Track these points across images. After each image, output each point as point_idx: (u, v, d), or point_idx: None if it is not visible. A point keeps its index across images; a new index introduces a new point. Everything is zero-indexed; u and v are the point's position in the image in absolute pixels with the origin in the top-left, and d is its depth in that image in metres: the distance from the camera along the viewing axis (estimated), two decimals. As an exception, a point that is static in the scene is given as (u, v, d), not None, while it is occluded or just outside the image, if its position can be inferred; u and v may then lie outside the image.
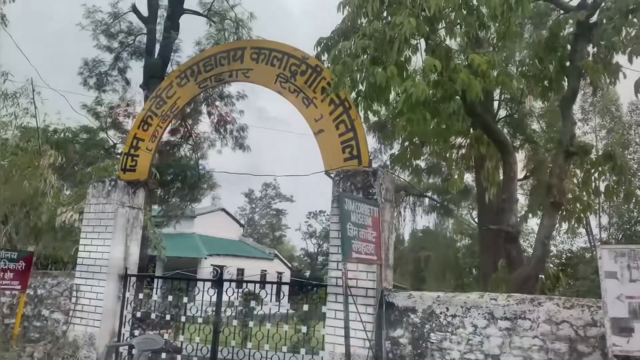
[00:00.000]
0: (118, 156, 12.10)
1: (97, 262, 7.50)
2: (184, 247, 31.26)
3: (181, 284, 7.42)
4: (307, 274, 55.54)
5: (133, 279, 7.57)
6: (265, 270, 38.24)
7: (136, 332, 7.36)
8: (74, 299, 7.50)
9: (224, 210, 40.92)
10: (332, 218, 6.12)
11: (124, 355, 7.26)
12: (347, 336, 4.68)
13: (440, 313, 5.36)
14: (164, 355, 7.01)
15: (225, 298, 7.03)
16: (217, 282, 6.92)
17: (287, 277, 41.07)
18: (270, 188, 68.42)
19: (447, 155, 7.50)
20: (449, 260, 26.95)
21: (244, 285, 14.83)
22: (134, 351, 5.78)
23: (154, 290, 7.97)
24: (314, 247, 60.99)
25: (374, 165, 6.95)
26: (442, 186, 10.94)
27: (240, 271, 35.85)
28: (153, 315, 7.41)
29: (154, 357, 6.51)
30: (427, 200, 27.26)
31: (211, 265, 31.86)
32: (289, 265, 45.05)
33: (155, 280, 7.81)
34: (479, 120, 7.23)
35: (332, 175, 6.25)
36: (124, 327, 7.40)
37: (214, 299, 6.84)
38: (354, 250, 4.93)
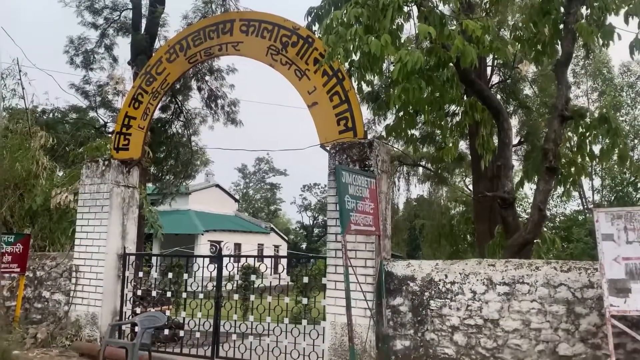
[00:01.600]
0: (110, 135, 11.98)
1: (95, 243, 7.50)
2: (180, 224, 31.36)
3: (180, 260, 7.44)
4: (304, 246, 56.08)
5: (132, 257, 7.59)
6: (262, 244, 38.57)
7: (138, 310, 7.43)
8: (74, 280, 7.52)
9: (218, 186, 40.93)
10: (329, 191, 6.11)
11: (127, 333, 7.34)
12: (348, 306, 4.73)
13: (439, 280, 5.42)
14: (166, 331, 7.10)
15: (224, 273, 7.09)
16: (217, 257, 6.95)
17: (284, 250, 41.42)
18: (264, 162, 68.26)
19: (442, 123, 7.47)
20: (444, 228, 27.16)
21: (244, 259, 15.03)
22: (137, 329, 5.84)
23: (154, 268, 8.00)
24: (310, 219, 61.40)
25: (369, 136, 6.93)
26: (437, 155, 10.95)
27: (237, 246, 36.09)
28: (154, 293, 7.46)
29: (156, 334, 6.57)
30: (420, 169, 27.38)
31: (208, 241, 32.06)
32: (286, 238, 45.38)
33: (155, 258, 7.82)
34: (473, 87, 7.18)
35: (328, 148, 6.22)
36: (125, 305, 7.45)
37: (214, 274, 6.89)
38: (352, 223, 4.94)
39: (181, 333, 7.02)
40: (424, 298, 5.46)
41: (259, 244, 38.15)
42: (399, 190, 30.81)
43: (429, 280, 5.48)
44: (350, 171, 5.17)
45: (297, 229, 62.88)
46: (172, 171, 14.75)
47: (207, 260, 7.09)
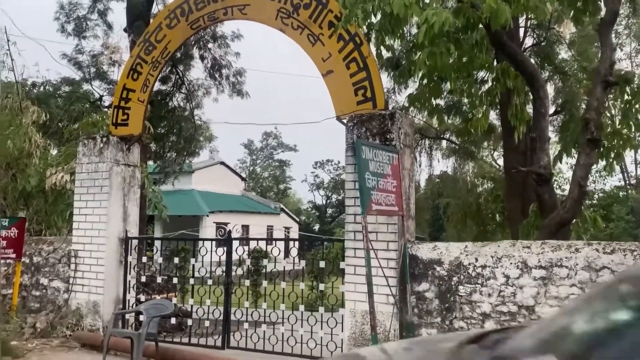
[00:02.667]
0: (106, 110, 12.03)
1: (95, 226, 7.60)
2: (184, 205, 31.63)
3: (187, 244, 7.52)
4: (316, 227, 56.41)
5: (135, 241, 7.68)
6: (272, 226, 38.87)
7: (142, 298, 7.54)
8: (73, 266, 7.65)
9: (223, 163, 41.12)
10: (346, 168, 6.10)
11: (131, 322, 7.47)
12: (370, 293, 4.76)
13: (469, 264, 5.41)
14: (173, 320, 7.21)
15: (234, 257, 7.16)
16: (227, 240, 7.01)
17: (295, 232, 41.72)
18: (272, 137, 68.23)
19: (471, 91, 7.36)
20: (470, 207, 27.09)
21: (255, 242, 15.13)
22: (142, 318, 5.94)
23: (157, 252, 8.10)
24: (322, 199, 61.61)
25: (390, 107, 6.87)
26: (463, 127, 10.83)
27: (245, 228, 36.41)
28: (159, 279, 7.57)
29: (163, 323, 6.68)
30: (444, 143, 27.18)
31: (214, 223, 32.43)
32: (297, 219, 45.61)
33: (159, 242, 7.91)
34: (505, 51, 7.05)
35: (345, 121, 6.19)
36: (129, 292, 7.57)
37: (223, 258, 6.96)
38: (373, 202, 4.93)
39: (189, 322, 7.13)
40: (452, 283, 5.47)
41: (268, 226, 38.45)
42: (420, 166, 30.63)
43: (457, 264, 5.47)
44: (371, 146, 5.14)
45: (309, 209, 63.17)
46: (174, 148, 14.83)
47: (215, 243, 7.16)
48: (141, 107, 7.88)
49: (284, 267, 7.14)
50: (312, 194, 62.15)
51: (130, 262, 7.63)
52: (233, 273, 7.11)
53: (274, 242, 7.68)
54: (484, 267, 5.34)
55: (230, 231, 7.10)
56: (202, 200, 34.50)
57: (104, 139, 7.75)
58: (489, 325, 5.24)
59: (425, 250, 5.69)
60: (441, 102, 9.28)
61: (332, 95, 6.50)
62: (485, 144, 24.48)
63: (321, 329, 6.33)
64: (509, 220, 11.48)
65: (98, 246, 7.53)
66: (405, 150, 6.00)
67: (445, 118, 10.98)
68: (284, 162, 65.04)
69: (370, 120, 5.99)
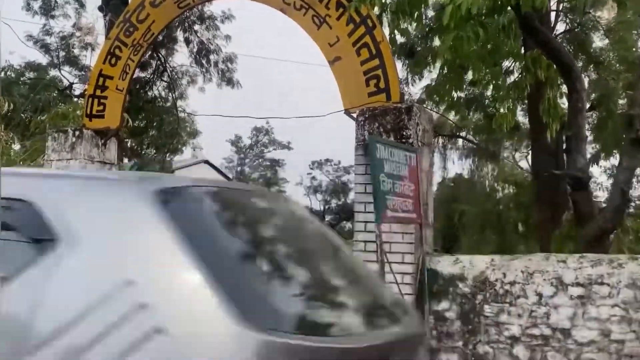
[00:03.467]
0: (77, 100, 12.01)
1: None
2: (162, 209, 31.58)
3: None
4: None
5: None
6: (262, 234, 38.84)
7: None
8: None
9: (207, 162, 41.14)
10: (356, 169, 6.10)
11: None
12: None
13: (496, 280, 5.40)
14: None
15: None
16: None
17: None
18: (262, 133, 68.22)
19: (497, 82, 7.36)
20: (489, 215, 27.17)
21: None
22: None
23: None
24: (320, 204, 61.67)
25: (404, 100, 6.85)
26: (485, 123, 10.84)
27: (232, 236, 36.41)
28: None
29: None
30: (460, 141, 27.24)
31: (196, 230, 32.40)
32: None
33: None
34: (536, 37, 7.06)
35: (355, 115, 6.18)
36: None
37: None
38: (389, 208, 4.92)
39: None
40: (477, 302, 5.45)
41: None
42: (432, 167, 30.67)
43: (482, 280, 5.46)
44: (386, 144, 5.13)
45: (308, 216, 63.16)
46: (154, 144, 14.81)
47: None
48: (119, 97, 7.86)
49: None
50: (308, 199, 62.07)
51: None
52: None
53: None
54: (513, 283, 5.33)
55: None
56: (183, 204, 34.48)
57: (77, 133, 7.73)
58: (519, 350, 5.23)
59: (445, 264, 5.67)
60: (461, 94, 9.30)
61: (339, 85, 6.49)
62: (508, 143, 24.59)
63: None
64: (538, 231, 11.50)
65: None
66: (424, 149, 6.00)
67: (465, 113, 10.99)
68: (277, 162, 65.02)
69: (384, 114, 5.98)
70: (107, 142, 7.94)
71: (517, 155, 27.46)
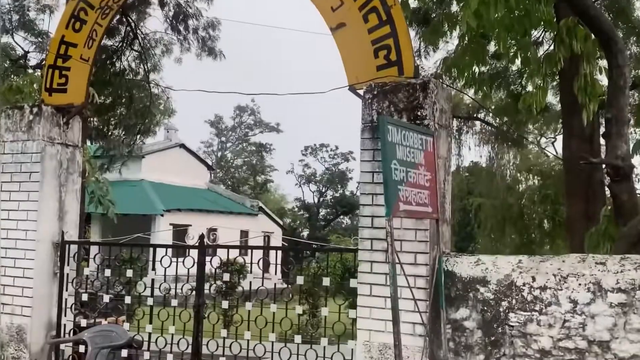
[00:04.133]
0: (33, 71, 11.93)
1: (21, 226, 7.55)
2: (130, 200, 31.49)
3: (144, 252, 7.51)
4: (305, 234, 56.56)
5: (74, 247, 7.64)
6: (247, 230, 38.91)
7: (83, 323, 7.50)
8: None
9: (183, 146, 41.08)
10: (362, 154, 6.09)
11: (68, 354, 7.43)
12: (395, 321, 4.75)
13: (524, 285, 5.42)
14: (125, 352, 7.17)
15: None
16: (199, 247, 7.00)
17: (276, 238, 41.78)
18: (247, 113, 67.89)
19: (527, 55, 7.33)
20: (510, 210, 27.27)
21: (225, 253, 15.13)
22: (83, 348, 5.91)
23: (99, 261, 8.07)
24: (314, 195, 61.76)
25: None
26: (509, 104, 10.81)
27: (212, 232, 36.46)
28: (106, 298, 7.53)
29: (111, 356, 6.64)
30: (478, 124, 27.30)
31: (170, 225, 32.33)
32: (280, 222, 45.66)
33: (108, 248, 7.90)
34: (571, 3, 7.05)
35: (361, 92, 6.17)
36: (65, 315, 7.54)
37: (193, 271, 6.96)
38: (401, 201, 4.91)
39: (146, 355, 7.11)
40: (501, 310, 5.47)
41: (242, 231, 38.44)
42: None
43: (508, 284, 5.47)
44: (400, 125, 5.11)
45: (296, 209, 63.24)
46: (123, 124, 14.75)
47: (172, 251, 7.21)
48: (85, 68, 7.81)
49: (275, 284, 7.16)
50: (300, 190, 62.08)
51: (68, 274, 7.60)
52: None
53: (268, 252, 7.68)
54: (543, 288, 5.34)
55: (203, 235, 7.08)
56: (154, 194, 34.43)
57: (35, 110, 7.68)
58: (549, 365, 5.25)
59: (465, 266, 5.68)
60: (484, 69, 9.26)
61: (343, 57, 6.47)
62: (533, 127, 24.59)
63: (322, 367, 6.35)
64: (569, 228, 11.53)
65: (25, 252, 7.48)
66: (441, 132, 6.00)
67: (486, 90, 10.96)
68: (263, 147, 64.91)
69: (396, 91, 5.97)
70: (69, 120, 7.90)
71: (543, 140, 27.55)
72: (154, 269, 7.37)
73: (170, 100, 15.88)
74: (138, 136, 15.40)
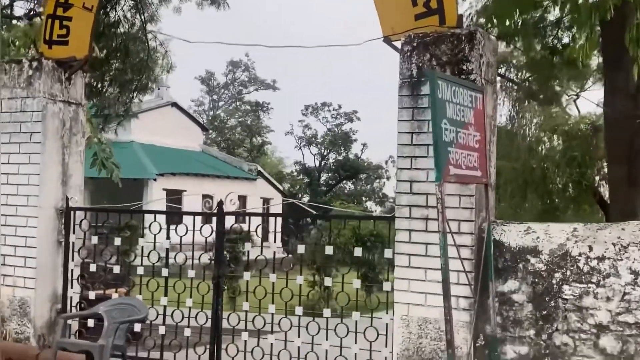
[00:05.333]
0: (26, 22, 11.76)
1: (21, 191, 7.50)
2: (119, 163, 31.44)
3: (157, 219, 7.47)
4: (306, 199, 56.55)
5: (79, 214, 7.60)
6: (245, 196, 38.90)
7: (91, 295, 7.50)
8: None
9: (176, 105, 40.84)
10: (400, 113, 6.01)
11: (74, 329, 7.44)
12: (446, 294, 4.71)
13: (579, 255, 5.38)
14: (138, 327, 7.17)
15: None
16: (218, 215, 6.95)
17: (276, 204, 41.81)
18: (241, 69, 67.21)
19: (575, 3, 7.17)
20: (532, 174, 27.16)
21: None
22: (104, 323, 5.90)
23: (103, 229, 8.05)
24: (315, 159, 61.53)
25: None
26: (546, 57, 10.67)
27: (208, 198, 36.44)
28: (117, 269, 7.53)
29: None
30: (499, 81, 27.05)
31: (163, 190, 32.39)
32: (280, 187, 45.67)
33: (115, 216, 7.84)
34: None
35: (400, 44, 6.06)
36: (71, 287, 7.52)
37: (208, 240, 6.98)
38: (451, 164, 4.84)
39: (161, 330, 7.11)
40: (554, 282, 5.45)
41: (240, 196, 38.39)
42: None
43: (562, 255, 5.44)
44: (449, 81, 5.01)
45: (295, 173, 63.16)
46: (118, 80, 14.61)
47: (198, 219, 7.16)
48: (88, 17, 7.65)
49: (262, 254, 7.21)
50: (299, 152, 61.90)
51: (74, 243, 7.57)
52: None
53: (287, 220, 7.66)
54: (601, 259, 5.31)
55: (222, 202, 7.04)
56: (146, 156, 34.32)
57: (34, 64, 7.56)
58: (607, 341, 5.24)
59: (514, 235, 5.65)
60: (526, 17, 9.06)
61: (377, 4, 6.35)
62: (558, 84, 24.36)
63: (355, 343, 6.35)
64: (612, 193, 11.46)
65: (27, 219, 7.43)
66: (487, 88, 5.90)
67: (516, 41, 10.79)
68: (261, 106, 64.41)
69: (438, 42, 5.86)
70: (72, 76, 7.80)
71: (566, 99, 27.34)
72: (168, 237, 7.31)
73: (169, 54, 15.71)
74: (135, 93, 15.25)
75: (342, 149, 60.66)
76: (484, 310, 5.63)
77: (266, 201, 40.69)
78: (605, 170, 24.19)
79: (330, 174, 61.69)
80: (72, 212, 7.58)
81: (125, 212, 7.81)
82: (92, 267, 7.63)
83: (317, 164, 61.16)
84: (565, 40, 7.97)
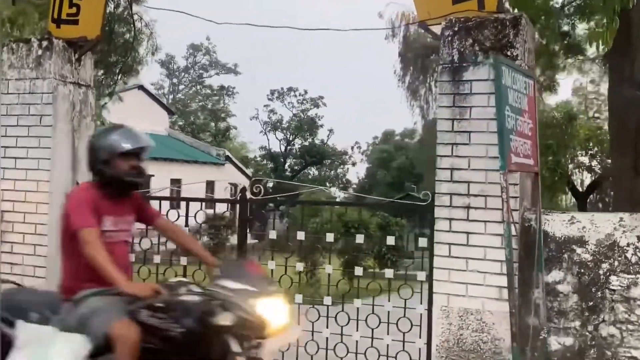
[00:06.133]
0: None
1: (31, 175, 7.19)
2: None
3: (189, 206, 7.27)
4: (270, 185, 56.22)
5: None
6: (213, 181, 38.49)
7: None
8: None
9: (142, 88, 40.12)
10: (440, 99, 5.89)
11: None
12: (510, 286, 4.62)
13: (628, 245, 5.32)
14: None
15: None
16: (241, 202, 6.77)
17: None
18: (201, 52, 66.40)
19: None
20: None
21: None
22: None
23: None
24: (281, 144, 61.14)
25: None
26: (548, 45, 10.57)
27: (176, 183, 35.94)
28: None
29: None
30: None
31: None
32: (248, 172, 45.36)
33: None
34: None
35: (442, 26, 5.91)
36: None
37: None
38: (512, 152, 4.73)
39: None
40: (601, 272, 5.38)
41: (208, 181, 37.99)
42: (435, 100, 30.65)
43: (609, 245, 5.37)
44: (510, 66, 4.89)
45: (258, 158, 62.82)
46: (103, 62, 14.23)
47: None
48: (100, -6, 7.40)
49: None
50: (265, 137, 61.50)
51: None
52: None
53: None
54: (651, 249, 5.27)
55: (245, 188, 6.85)
56: (113, 140, 33.64)
57: (44, 44, 7.23)
58: (657, 333, 5.20)
59: (558, 224, 5.56)
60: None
61: (412, -13, 6.21)
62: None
63: (387, 334, 6.25)
64: (616, 183, 11.51)
65: (36, 206, 7.13)
66: (531, 74, 5.81)
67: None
68: (224, 90, 63.76)
69: (481, 27, 5.72)
70: (82, 57, 7.50)
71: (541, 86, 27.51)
72: (187, 225, 7.09)
73: (154, 36, 15.33)
74: (119, 75, 14.88)
75: (308, 134, 60.46)
76: (527, 301, 5.55)
77: (234, 186, 40.38)
78: (580, 158, 24.52)
79: (296, 160, 61.49)
80: (83, 198, 7.30)
81: (157, 199, 7.52)
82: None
83: (283, 149, 60.90)
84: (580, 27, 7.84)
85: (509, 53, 5.62)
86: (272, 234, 7.79)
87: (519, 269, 5.51)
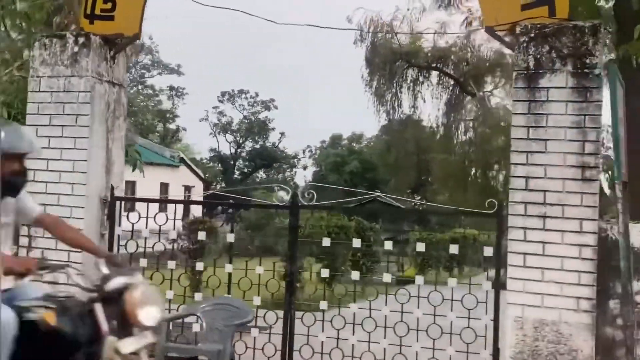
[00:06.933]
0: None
1: (65, 178, 6.79)
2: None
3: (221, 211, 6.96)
4: (219, 187, 55.64)
5: (125, 204, 7.05)
6: (167, 184, 37.81)
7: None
8: (26, 241, 6.89)
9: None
10: (515, 106, 5.79)
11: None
12: (627, 301, 4.50)
13: None
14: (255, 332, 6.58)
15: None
16: (292, 208, 6.52)
17: (197, 193, 40.75)
18: (144, 53, 65.14)
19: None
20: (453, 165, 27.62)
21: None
22: (200, 324, 5.38)
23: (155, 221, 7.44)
24: (231, 146, 60.47)
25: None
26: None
27: (130, 185, 35.09)
28: (172, 264, 6.94)
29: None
30: (435, 75, 27.47)
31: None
32: (202, 175, 44.74)
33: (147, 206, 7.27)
34: None
35: (517, 32, 5.79)
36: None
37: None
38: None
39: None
40: (683, 283, 5.34)
41: (162, 183, 37.30)
42: (399, 106, 30.81)
43: (693, 255, 5.34)
44: (619, 76, 4.80)
45: (207, 160, 62.11)
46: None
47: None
48: (138, -11, 7.04)
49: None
50: (215, 139, 60.78)
51: (119, 236, 6.96)
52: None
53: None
54: None
55: (296, 194, 6.61)
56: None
57: (80, 40, 6.83)
58: None
59: (635, 234, 5.48)
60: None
61: (480, -6, 6.09)
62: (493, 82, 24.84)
63: (450, 345, 6.11)
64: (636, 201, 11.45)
65: (71, 210, 6.72)
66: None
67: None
68: (176, 91, 62.75)
69: (559, 34, 5.62)
70: (116, 55, 7.14)
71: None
72: (232, 231, 6.81)
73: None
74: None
75: (258, 137, 60.03)
76: (604, 312, 5.47)
77: (188, 189, 39.82)
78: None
79: (247, 163, 61.00)
80: (116, 203, 6.96)
81: (176, 202, 7.21)
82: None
83: (233, 151, 60.34)
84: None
85: (587, 61, 5.54)
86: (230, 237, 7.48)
87: (597, 279, 5.42)
